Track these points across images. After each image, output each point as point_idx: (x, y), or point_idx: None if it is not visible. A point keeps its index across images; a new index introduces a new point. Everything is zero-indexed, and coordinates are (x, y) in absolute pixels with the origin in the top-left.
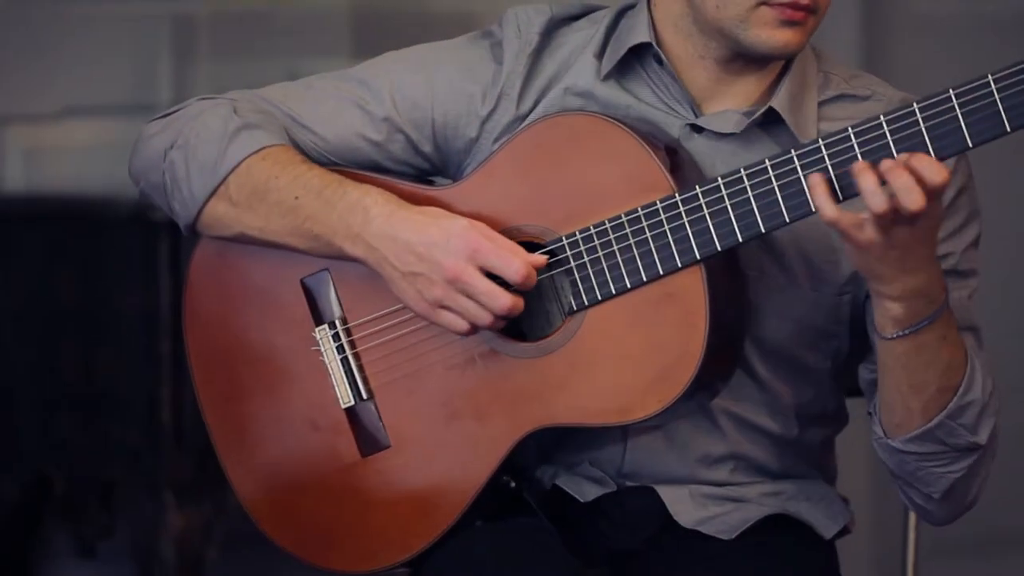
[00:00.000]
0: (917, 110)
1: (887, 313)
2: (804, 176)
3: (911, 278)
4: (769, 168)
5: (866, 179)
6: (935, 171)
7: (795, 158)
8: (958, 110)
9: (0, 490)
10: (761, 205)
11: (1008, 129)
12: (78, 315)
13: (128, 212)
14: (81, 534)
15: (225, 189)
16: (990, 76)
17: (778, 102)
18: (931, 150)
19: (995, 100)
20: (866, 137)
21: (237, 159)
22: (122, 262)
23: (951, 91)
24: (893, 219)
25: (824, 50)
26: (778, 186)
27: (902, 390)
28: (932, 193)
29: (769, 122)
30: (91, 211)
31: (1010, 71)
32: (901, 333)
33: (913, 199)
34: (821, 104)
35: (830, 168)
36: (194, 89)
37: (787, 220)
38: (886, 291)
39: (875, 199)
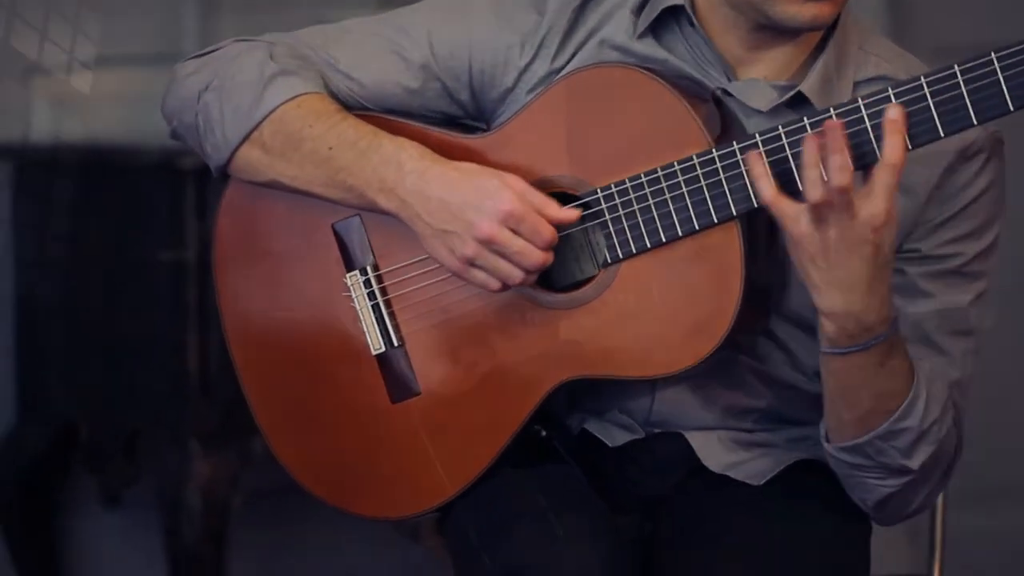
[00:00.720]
0: (958, 71)
1: (821, 327)
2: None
3: (843, 296)
4: (808, 127)
5: (809, 151)
6: (895, 149)
7: (834, 116)
8: (999, 73)
9: (26, 438)
10: (800, 164)
11: (1011, 108)
12: (105, 264)
13: (155, 161)
14: (106, 482)
15: (259, 135)
16: (993, 54)
17: (808, 86)
18: (939, 125)
19: (999, 78)
20: (909, 97)
21: (272, 106)
22: (149, 211)
23: (993, 54)
24: (827, 211)
25: (868, 30)
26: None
27: (835, 401)
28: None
29: (800, 102)
30: (118, 160)
31: (1014, 49)
32: (832, 351)
33: (842, 176)
34: (857, 85)
35: (869, 128)
36: (220, 38)
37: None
38: (818, 303)
39: (812, 185)
